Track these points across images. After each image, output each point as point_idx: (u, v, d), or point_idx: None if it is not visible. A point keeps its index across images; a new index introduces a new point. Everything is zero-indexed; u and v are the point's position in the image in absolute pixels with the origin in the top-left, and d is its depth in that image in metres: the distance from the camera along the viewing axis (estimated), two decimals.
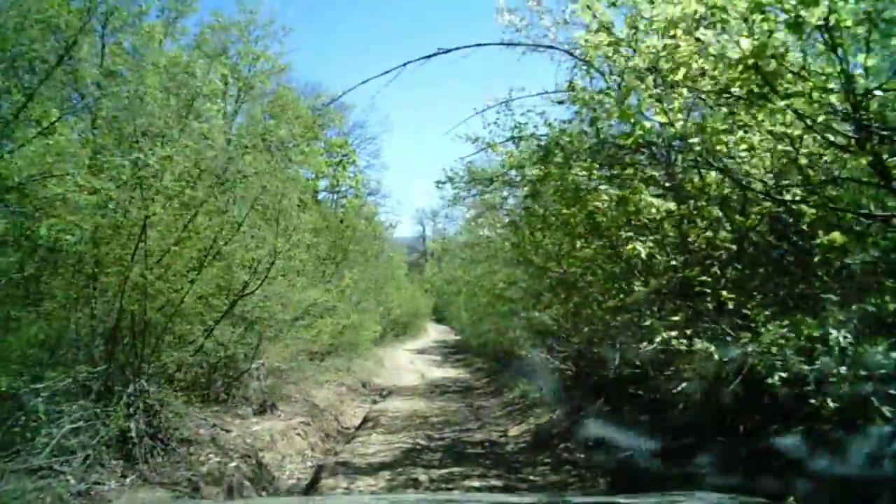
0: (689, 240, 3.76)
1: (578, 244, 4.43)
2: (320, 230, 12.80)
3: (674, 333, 3.49)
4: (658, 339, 3.52)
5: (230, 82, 12.33)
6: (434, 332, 37.86)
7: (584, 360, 7.38)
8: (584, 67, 6.10)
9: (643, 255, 3.73)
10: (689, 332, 3.50)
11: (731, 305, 3.63)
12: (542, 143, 4.94)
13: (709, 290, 3.67)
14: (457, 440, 8.58)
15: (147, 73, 6.96)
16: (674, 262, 3.92)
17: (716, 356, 3.30)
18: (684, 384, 4.45)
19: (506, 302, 10.17)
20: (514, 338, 12.02)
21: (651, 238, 3.84)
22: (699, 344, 3.33)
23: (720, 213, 3.82)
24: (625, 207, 3.92)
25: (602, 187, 4.08)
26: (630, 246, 3.72)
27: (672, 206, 3.82)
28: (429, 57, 6.37)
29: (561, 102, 5.30)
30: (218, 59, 10.36)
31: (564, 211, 4.43)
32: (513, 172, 7.14)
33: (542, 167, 4.57)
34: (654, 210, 3.82)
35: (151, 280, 6.30)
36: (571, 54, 6.50)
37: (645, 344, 3.95)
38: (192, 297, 7.01)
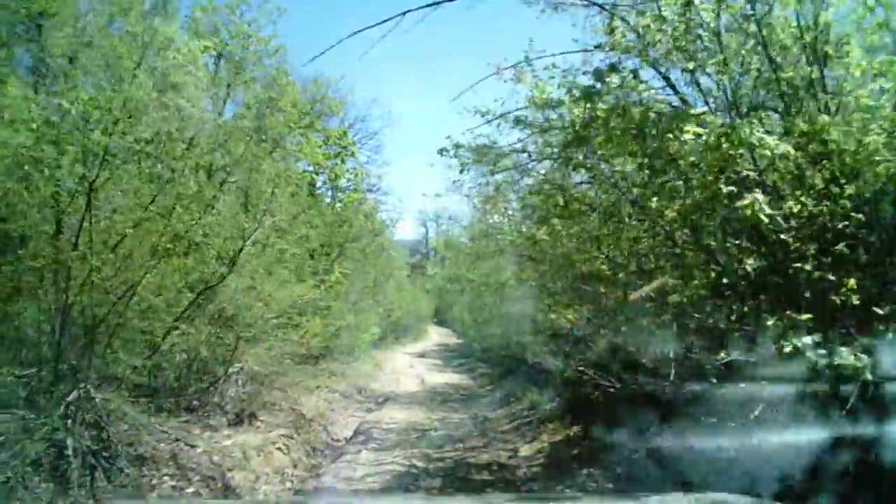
0: (805, 203, 2.67)
1: (648, 205, 3.29)
2: (312, 221, 11.75)
3: (807, 340, 2.39)
4: (788, 347, 2.42)
5: (220, 65, 11.49)
6: (435, 335, 37.06)
7: (615, 367, 6.28)
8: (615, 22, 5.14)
9: (764, 217, 2.59)
10: (818, 337, 2.42)
11: (855, 300, 2.55)
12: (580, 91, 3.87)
13: (832, 279, 2.58)
14: (459, 461, 7.48)
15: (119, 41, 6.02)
16: (783, 237, 2.81)
17: (867, 374, 2.24)
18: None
19: (515, 303, 9.23)
20: (524, 342, 10.96)
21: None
22: (848, 357, 2.25)
23: (839, 171, 2.72)
24: (720, 151, 2.73)
25: (696, 111, 2.94)
26: (746, 202, 2.55)
27: (790, 148, 2.67)
28: (434, 5, 5.39)
29: (598, 47, 4.25)
30: (207, 38, 9.56)
31: (617, 160, 3.30)
32: (531, 149, 6.10)
33: (588, 107, 3.45)
34: (767, 152, 2.67)
35: (97, 266, 5.33)
36: (604, 7, 5.53)
37: (723, 353, 2.87)
38: (150, 289, 6.02)
